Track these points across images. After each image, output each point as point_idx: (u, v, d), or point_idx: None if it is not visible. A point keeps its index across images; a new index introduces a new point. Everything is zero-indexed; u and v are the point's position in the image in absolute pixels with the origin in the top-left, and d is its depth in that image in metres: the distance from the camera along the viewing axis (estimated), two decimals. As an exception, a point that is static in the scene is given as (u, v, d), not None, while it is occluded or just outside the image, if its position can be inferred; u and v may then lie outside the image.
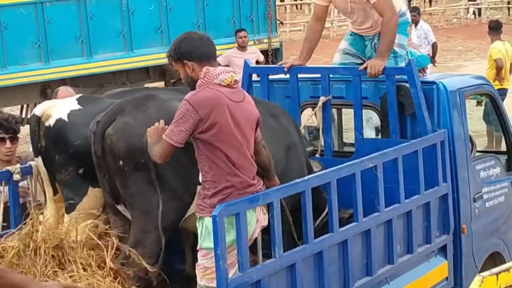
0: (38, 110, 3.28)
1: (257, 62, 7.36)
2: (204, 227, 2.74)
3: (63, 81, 6.78)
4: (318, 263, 3.16)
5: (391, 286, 3.53)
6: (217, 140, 2.65)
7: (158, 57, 7.76)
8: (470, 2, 19.45)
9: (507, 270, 2.57)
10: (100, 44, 7.56)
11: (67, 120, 3.12)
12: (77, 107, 3.22)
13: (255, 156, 2.91)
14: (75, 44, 7.48)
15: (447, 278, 3.94)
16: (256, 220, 2.88)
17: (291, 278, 3.01)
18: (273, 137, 3.49)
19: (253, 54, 7.78)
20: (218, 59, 8.26)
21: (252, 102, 2.88)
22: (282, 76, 4.31)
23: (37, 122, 3.18)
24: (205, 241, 2.70)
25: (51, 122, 3.13)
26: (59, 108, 3.22)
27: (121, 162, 2.87)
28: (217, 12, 8.17)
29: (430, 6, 20.45)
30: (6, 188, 3.40)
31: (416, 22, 8.77)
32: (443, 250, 3.94)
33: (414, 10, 9.28)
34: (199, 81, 2.62)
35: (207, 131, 2.64)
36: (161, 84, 8.38)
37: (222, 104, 2.64)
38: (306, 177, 3.15)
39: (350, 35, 4.36)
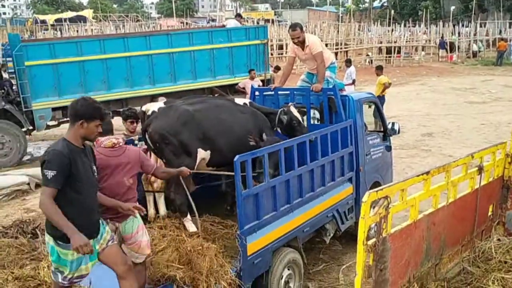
0: (144, 107, 5.29)
1: (259, 86, 10.72)
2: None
3: (161, 95, 10.64)
4: (286, 185, 4.79)
5: (324, 197, 5.41)
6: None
7: (208, 83, 12.66)
8: (367, 57, 29.35)
9: (382, 189, 3.44)
10: (180, 76, 11.90)
11: (156, 111, 5.00)
12: (162, 105, 5.10)
13: (156, 176, 4.44)
14: (167, 75, 11.78)
15: (352, 194, 5.94)
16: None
17: (272, 192, 4.64)
18: (237, 123, 5.20)
19: (257, 82, 11.81)
20: (240, 84, 12.47)
21: (131, 153, 4.01)
22: (270, 92, 6.38)
23: (144, 113, 5.14)
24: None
25: (149, 112, 5.05)
26: (153, 106, 5.20)
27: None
28: (239, 60, 12.56)
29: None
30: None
31: (349, 66, 13.26)
32: (350, 180, 5.92)
33: (349, 61, 14.03)
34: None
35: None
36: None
37: (100, 160, 3.84)
38: (285, 141, 4.90)
39: (306, 73, 6.56)
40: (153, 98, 11.66)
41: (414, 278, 3.91)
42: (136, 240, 4.15)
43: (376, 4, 74.16)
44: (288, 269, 4.94)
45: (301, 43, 6.21)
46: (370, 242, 3.33)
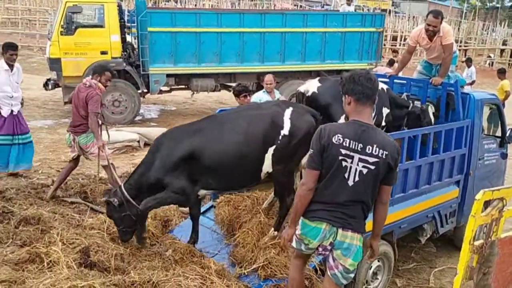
0: (302, 88, 5.20)
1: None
2: None
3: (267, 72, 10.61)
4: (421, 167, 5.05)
5: (427, 196, 5.27)
6: None
7: (316, 67, 12.66)
8: (488, 58, 28.34)
9: (498, 189, 3.33)
10: (289, 56, 12.26)
11: (316, 92, 5.06)
12: (319, 84, 5.07)
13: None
14: (276, 54, 12.28)
15: (457, 197, 5.72)
16: None
17: (417, 170, 4.95)
18: None
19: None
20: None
21: (82, 92, 6.11)
22: (385, 79, 6.18)
23: (302, 95, 5.10)
24: None
25: (308, 93, 5.08)
26: (312, 87, 5.14)
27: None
28: (351, 46, 12.89)
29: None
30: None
31: (469, 66, 12.34)
32: (457, 183, 5.69)
33: (469, 60, 13.01)
34: None
35: None
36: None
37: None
38: (417, 129, 5.03)
39: (424, 62, 6.26)
40: (259, 75, 11.88)
41: (519, 292, 3.62)
42: (91, 151, 6.27)
43: (506, 3, 68.08)
44: (378, 261, 4.81)
45: (433, 34, 5.83)
46: (477, 243, 3.13)
